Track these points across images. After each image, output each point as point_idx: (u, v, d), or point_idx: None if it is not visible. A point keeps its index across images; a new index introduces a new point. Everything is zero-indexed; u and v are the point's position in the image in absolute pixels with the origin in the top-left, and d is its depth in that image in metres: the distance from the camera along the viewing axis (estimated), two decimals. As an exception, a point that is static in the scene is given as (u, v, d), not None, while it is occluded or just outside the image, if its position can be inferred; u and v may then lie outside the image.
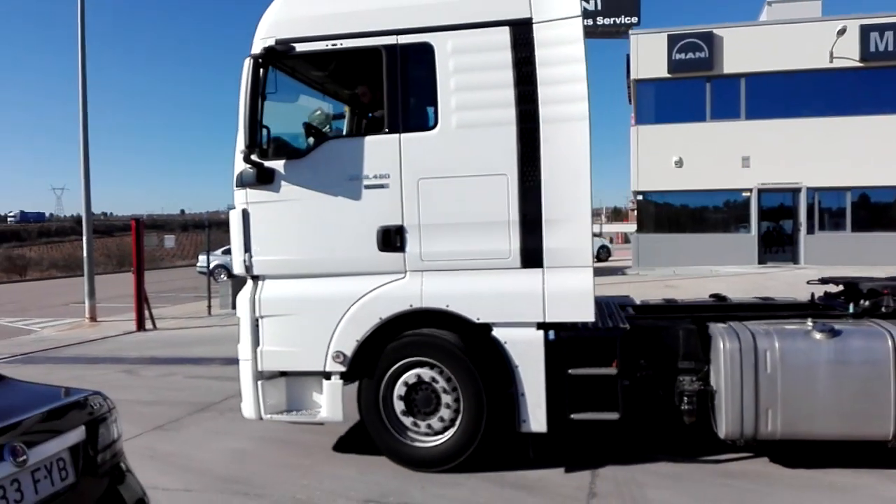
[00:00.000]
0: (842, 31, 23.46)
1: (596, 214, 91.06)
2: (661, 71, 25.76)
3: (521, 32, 5.16)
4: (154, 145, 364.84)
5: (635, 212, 29.82)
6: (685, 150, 25.56)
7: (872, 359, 4.96)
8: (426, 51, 5.31)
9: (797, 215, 25.26)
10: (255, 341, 5.58)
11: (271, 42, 5.40)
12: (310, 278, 5.57)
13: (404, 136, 5.34)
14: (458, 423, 5.34)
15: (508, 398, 5.27)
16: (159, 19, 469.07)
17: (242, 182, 5.51)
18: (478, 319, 5.27)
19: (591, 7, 39.37)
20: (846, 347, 5.01)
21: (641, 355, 5.51)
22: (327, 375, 5.48)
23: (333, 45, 5.44)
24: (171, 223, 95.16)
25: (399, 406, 5.43)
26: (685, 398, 5.33)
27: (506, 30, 5.19)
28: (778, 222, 25.88)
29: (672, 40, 25.55)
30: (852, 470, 5.19)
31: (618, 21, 39.23)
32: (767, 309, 6.17)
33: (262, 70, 5.33)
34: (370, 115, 5.99)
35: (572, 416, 5.22)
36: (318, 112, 5.94)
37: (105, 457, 3.16)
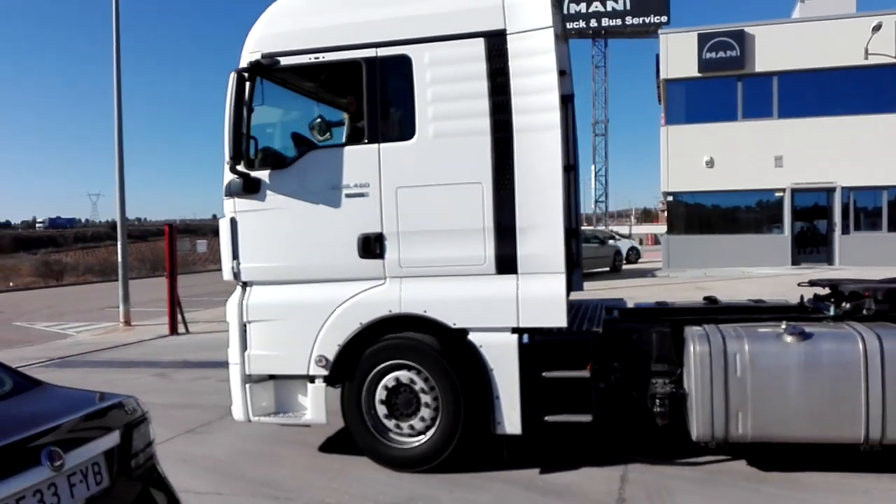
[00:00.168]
0: (877, 27, 22.99)
1: (625, 216, 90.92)
2: (692, 70, 25.45)
3: (496, 44, 5.29)
4: (188, 150, 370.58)
5: (665, 213, 29.51)
6: (716, 150, 25.23)
7: (842, 361, 4.95)
8: (404, 63, 5.45)
9: (832, 215, 24.80)
10: (244, 346, 5.79)
11: (257, 56, 5.59)
12: (295, 284, 5.74)
13: (383, 145, 5.49)
14: (437, 422, 5.44)
15: (486, 400, 5.36)
16: (196, 25, 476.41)
17: (230, 192, 5.73)
18: (454, 324, 5.39)
19: (619, 7, 39.36)
20: (816, 350, 5.01)
21: (616, 358, 5.60)
22: (312, 379, 5.64)
23: (316, 58, 5.62)
24: (203, 228, 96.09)
25: (381, 409, 5.56)
26: (657, 400, 5.42)
27: (481, 41, 5.32)
28: (812, 222, 25.43)
29: (702, 39, 25.22)
30: (889, 475, 5.10)
31: (647, 21, 39.11)
32: (756, 311, 6.18)
33: (247, 83, 5.51)
34: (353, 125, 6.11)
35: (546, 418, 5.31)
36: (319, 120, 6.09)
37: (139, 461, 3.22)
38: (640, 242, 44.30)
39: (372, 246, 5.49)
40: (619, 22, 39.64)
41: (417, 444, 5.52)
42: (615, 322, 6.02)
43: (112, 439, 3.06)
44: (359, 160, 5.53)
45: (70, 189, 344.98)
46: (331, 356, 5.55)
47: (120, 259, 17.09)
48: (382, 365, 5.53)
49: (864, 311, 5.52)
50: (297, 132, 6.22)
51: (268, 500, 5.19)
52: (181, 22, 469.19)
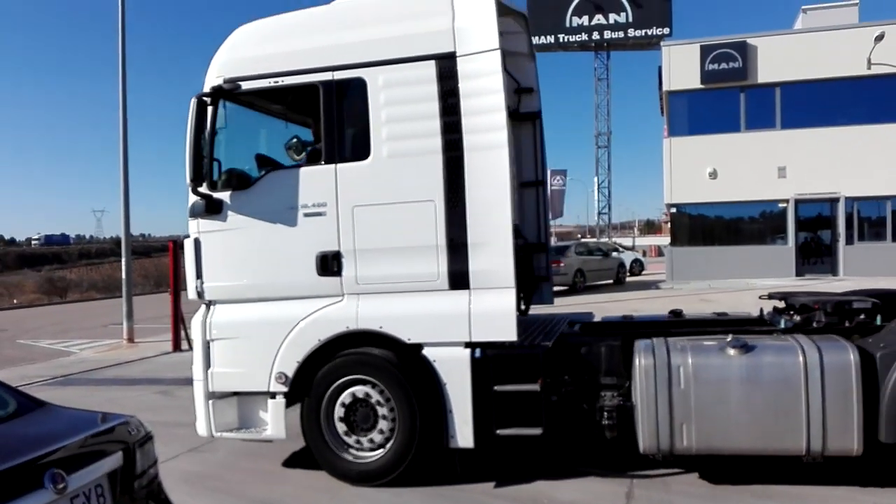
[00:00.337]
0: (880, 37, 22.99)
1: (629, 227, 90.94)
2: (694, 82, 25.54)
3: (447, 66, 5.41)
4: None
5: (669, 224, 29.50)
6: (719, 162, 25.26)
7: (783, 374, 4.95)
8: (359, 85, 5.58)
9: (836, 226, 24.76)
10: (207, 363, 5.87)
11: (220, 81, 5.71)
12: (256, 303, 5.83)
13: (340, 166, 5.61)
14: (395, 435, 5.47)
15: (440, 414, 5.40)
16: (203, 44, 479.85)
17: (194, 213, 5.83)
18: (409, 340, 5.45)
19: (622, 20, 39.45)
20: (757, 363, 5.01)
21: (566, 371, 5.63)
22: (273, 395, 5.69)
23: (276, 82, 5.75)
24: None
25: (341, 426, 5.61)
26: (605, 413, 5.43)
27: (432, 64, 5.43)
28: (816, 233, 25.40)
29: (705, 51, 25.33)
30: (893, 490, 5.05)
31: (649, 33, 39.17)
32: (713, 325, 6.20)
33: (209, 108, 5.63)
34: (313, 146, 6.19)
35: (498, 431, 5.34)
36: (295, 140, 6.17)
37: (142, 482, 3.22)
38: (644, 254, 44.21)
39: (330, 264, 5.58)
40: (621, 34, 39.68)
41: (376, 457, 5.55)
42: (567, 336, 6.06)
43: (115, 460, 3.07)
44: (316, 180, 5.64)
45: (74, 205, 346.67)
46: (290, 373, 5.61)
47: (124, 276, 17.11)
48: (340, 380, 5.58)
49: (814, 324, 5.56)
50: (261, 153, 6.35)
51: (271, 519, 5.15)
52: (189, 41, 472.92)
